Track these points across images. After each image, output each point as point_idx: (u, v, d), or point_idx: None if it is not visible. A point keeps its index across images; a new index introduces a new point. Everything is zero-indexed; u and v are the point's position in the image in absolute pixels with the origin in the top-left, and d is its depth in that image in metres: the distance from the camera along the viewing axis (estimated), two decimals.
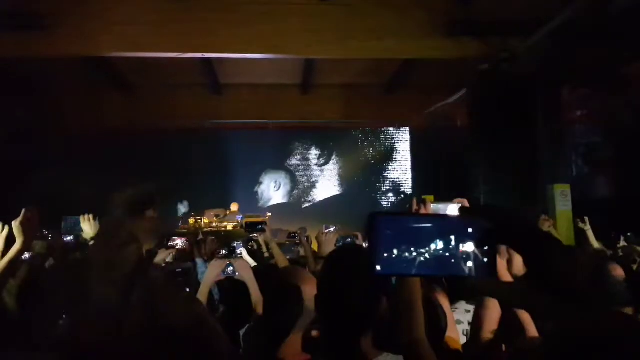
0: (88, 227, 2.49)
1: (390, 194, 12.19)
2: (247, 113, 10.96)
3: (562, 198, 7.17)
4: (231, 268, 2.72)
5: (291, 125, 11.47)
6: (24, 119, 9.57)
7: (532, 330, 1.35)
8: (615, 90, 6.82)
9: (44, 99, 9.80)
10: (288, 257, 3.65)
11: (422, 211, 1.30)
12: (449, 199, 1.47)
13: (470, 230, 0.98)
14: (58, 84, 9.70)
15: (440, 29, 6.92)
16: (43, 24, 6.36)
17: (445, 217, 1.13)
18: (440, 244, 0.96)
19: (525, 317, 1.39)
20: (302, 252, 5.08)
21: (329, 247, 3.07)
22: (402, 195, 11.90)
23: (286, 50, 7.22)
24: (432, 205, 1.34)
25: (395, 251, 0.95)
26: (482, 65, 7.38)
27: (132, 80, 10.07)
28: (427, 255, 0.96)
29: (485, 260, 0.96)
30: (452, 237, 0.97)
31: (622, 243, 4.29)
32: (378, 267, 0.94)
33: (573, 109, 7.89)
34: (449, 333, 1.65)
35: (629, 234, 4.53)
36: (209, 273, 2.63)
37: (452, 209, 1.52)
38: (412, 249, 0.96)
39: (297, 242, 4.40)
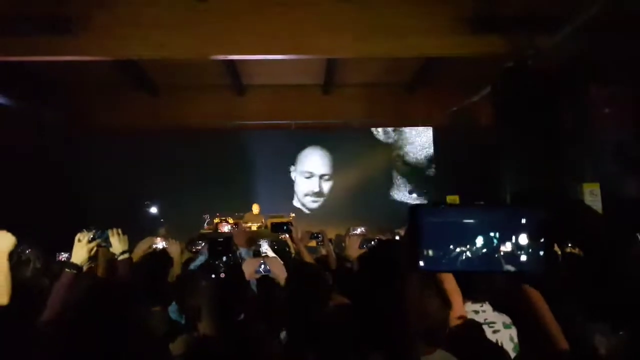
0: (117, 242, 2.38)
1: (414, 195, 12.07)
2: (270, 113, 11.02)
3: (592, 197, 6.99)
4: (264, 266, 2.78)
5: (313, 125, 11.49)
6: (54, 121, 9.82)
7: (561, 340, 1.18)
8: None
9: (72, 102, 10.04)
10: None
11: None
12: (473, 200, 1.40)
13: (523, 221, 0.89)
14: (86, 86, 9.92)
15: (465, 25, 6.81)
16: (72, 28, 6.51)
17: (493, 207, 1.01)
18: (487, 238, 0.89)
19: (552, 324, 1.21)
20: (322, 252, 5.11)
21: (353, 249, 3.07)
22: (425, 196, 11.75)
23: (307, 50, 7.21)
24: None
25: (437, 246, 0.89)
26: (507, 62, 7.26)
27: (158, 81, 10.24)
28: (472, 250, 0.89)
29: (541, 253, 0.88)
30: (502, 230, 0.89)
31: None
32: (421, 263, 0.89)
33: (601, 106, 7.69)
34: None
35: None
36: (244, 272, 2.65)
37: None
38: (456, 243, 0.89)
39: (320, 242, 4.43)
